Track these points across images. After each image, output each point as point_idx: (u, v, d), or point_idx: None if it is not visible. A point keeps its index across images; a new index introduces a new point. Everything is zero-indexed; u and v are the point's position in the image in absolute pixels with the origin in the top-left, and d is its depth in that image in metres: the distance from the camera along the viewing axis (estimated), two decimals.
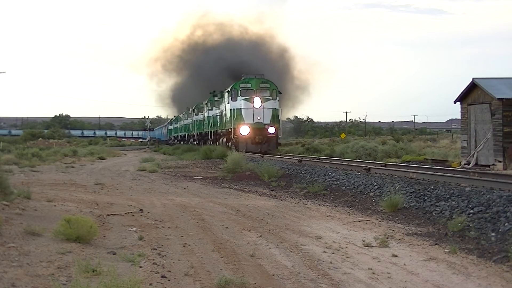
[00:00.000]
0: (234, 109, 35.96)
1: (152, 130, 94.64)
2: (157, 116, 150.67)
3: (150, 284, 6.67)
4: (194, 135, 58.20)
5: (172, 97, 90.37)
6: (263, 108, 35.25)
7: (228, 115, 37.41)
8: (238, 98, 35.93)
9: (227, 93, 37.83)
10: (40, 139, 73.60)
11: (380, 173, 17.64)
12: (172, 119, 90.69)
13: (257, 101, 35.23)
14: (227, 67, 61.52)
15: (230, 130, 36.79)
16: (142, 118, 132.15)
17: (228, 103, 37.37)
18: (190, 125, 62.52)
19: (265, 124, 35.02)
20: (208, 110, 47.95)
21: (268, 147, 35.16)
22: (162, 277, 7.06)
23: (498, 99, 23.26)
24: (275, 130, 35.34)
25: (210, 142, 45.25)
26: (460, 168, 22.34)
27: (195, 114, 57.59)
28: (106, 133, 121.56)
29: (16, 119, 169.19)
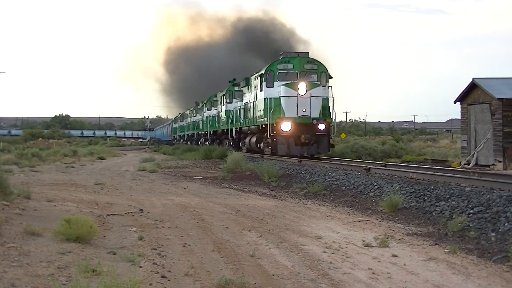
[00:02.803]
0: (270, 98, 27.74)
1: (152, 130, 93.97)
2: (157, 116, 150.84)
3: (150, 284, 6.67)
4: (206, 133, 50.27)
5: (177, 92, 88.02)
6: (311, 96, 26.92)
7: (260, 106, 29.38)
8: (275, 83, 27.91)
9: (259, 78, 29.43)
10: (40, 139, 73.55)
11: (380, 173, 17.64)
12: (177, 116, 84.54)
13: (302, 87, 26.93)
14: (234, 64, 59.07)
15: (263, 127, 28.83)
16: (142, 118, 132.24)
17: (261, 90, 29.21)
18: (200, 122, 55.12)
19: (313, 119, 26.95)
20: (226, 102, 39.77)
21: (317, 149, 27.47)
22: (162, 277, 7.06)
23: (498, 99, 23.27)
24: (326, 126, 27.17)
25: (230, 143, 38.29)
26: (460, 168, 22.35)
27: (207, 109, 49.91)
28: (105, 133, 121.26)
29: (16, 119, 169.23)
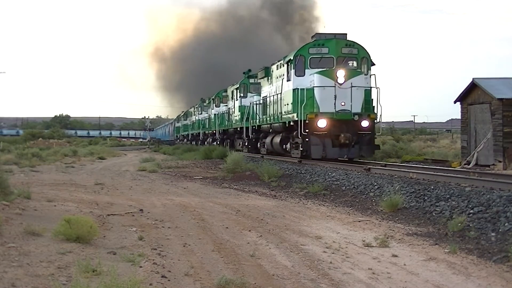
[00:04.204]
0: (300, 89, 23.08)
1: (152, 130, 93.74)
2: (157, 116, 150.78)
3: (150, 284, 6.67)
4: (215, 133, 45.95)
5: (180, 88, 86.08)
6: (351, 86, 22.25)
7: (287, 100, 24.72)
8: (306, 71, 23.37)
9: (286, 65, 24.83)
10: (40, 139, 73.53)
11: (380, 173, 17.64)
12: (180, 114, 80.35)
13: (340, 76, 22.21)
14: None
15: (291, 124, 24.25)
16: (142, 118, 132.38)
17: (288, 80, 24.51)
18: (207, 120, 50.97)
19: (355, 114, 22.33)
20: (240, 97, 35.88)
21: (359, 152, 22.75)
22: (162, 277, 7.06)
23: (498, 99, 23.27)
24: (369, 123, 22.56)
25: (244, 144, 34.49)
26: (460, 168, 22.34)
27: (215, 106, 45.97)
28: (100, 133, 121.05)
29: (16, 119, 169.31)
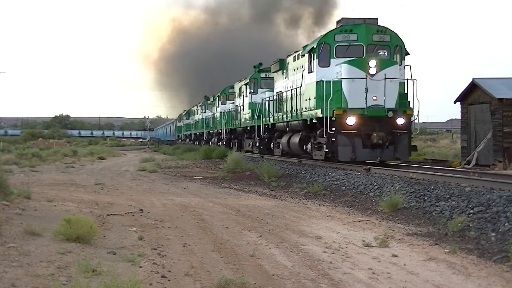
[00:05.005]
0: (325, 82, 20.39)
1: (152, 130, 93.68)
2: (157, 116, 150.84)
3: (150, 284, 6.67)
4: (220, 132, 43.26)
5: (182, 86, 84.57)
6: (385, 78, 19.60)
7: (308, 94, 22.05)
8: (331, 61, 20.74)
9: (308, 55, 22.06)
10: (40, 139, 73.55)
11: (380, 173, 17.64)
12: (181, 113, 77.48)
13: (372, 66, 19.61)
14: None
15: (313, 121, 21.53)
16: (142, 118, 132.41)
17: (310, 71, 21.82)
18: (212, 119, 48.54)
19: (389, 110, 19.74)
20: (250, 93, 33.37)
21: (394, 154, 20.18)
22: (162, 277, 7.06)
23: (498, 99, 23.29)
24: (406, 121, 20.04)
25: (255, 144, 31.98)
26: (460, 168, 22.34)
27: (221, 103, 43.54)
28: (103, 133, 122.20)
29: (16, 119, 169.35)
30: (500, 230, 9.63)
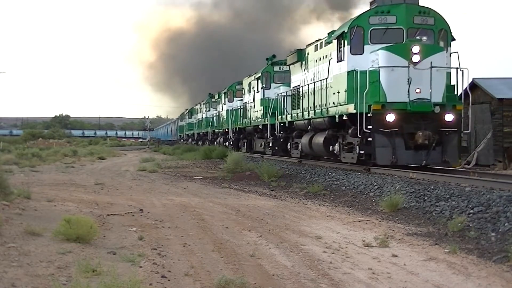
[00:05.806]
0: (359, 71, 17.57)
1: (152, 130, 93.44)
2: (157, 116, 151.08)
3: (150, 284, 6.67)
4: (227, 132, 40.28)
5: (184, 83, 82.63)
6: (431, 67, 16.69)
7: (337, 87, 19.14)
8: (366, 48, 17.94)
9: (336, 42, 19.15)
10: (40, 139, 73.54)
11: (380, 173, 17.62)
12: (183, 112, 74.35)
13: (416, 52, 16.63)
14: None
15: (344, 118, 18.60)
16: (142, 118, 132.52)
17: (339, 60, 18.99)
18: (217, 118, 45.88)
19: (435, 105, 16.84)
20: (262, 89, 30.42)
21: (442, 156, 17.33)
22: (162, 277, 7.06)
23: (498, 99, 23.32)
24: (455, 117, 17.09)
25: (268, 145, 29.08)
26: (460, 168, 22.36)
27: (228, 101, 40.91)
28: (106, 133, 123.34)
29: (16, 119, 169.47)
30: (500, 230, 9.63)
